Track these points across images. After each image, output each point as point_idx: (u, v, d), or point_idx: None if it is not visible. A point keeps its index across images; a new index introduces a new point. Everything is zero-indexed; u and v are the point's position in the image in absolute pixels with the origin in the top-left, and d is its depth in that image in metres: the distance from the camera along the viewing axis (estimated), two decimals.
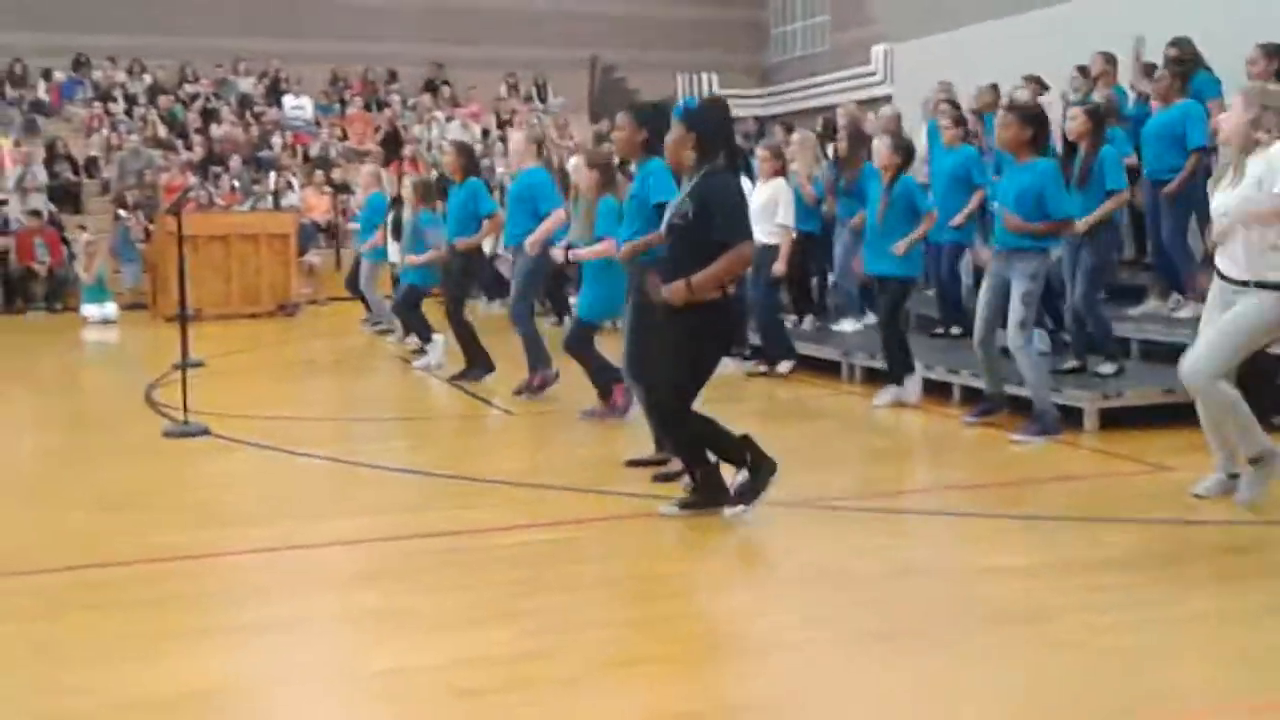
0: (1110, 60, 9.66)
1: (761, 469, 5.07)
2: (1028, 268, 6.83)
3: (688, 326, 5.02)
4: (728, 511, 5.00)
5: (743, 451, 5.10)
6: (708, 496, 5.15)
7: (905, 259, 7.83)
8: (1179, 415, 7.08)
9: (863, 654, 3.75)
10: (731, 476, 5.20)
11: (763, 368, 9.26)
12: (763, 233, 8.20)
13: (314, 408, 9.08)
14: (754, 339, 9.35)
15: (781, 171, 9.29)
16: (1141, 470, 6.17)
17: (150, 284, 16.21)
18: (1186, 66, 8.60)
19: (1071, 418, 7.07)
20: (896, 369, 7.98)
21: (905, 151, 8.01)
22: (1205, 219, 8.66)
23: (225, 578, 4.68)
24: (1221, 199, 5.25)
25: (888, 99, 15.25)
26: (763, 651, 3.85)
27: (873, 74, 20.06)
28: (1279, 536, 5.03)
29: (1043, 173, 6.81)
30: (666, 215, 5.16)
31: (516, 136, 9.03)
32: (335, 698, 3.57)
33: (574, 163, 7.38)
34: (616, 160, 7.16)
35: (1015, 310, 6.84)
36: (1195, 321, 8.08)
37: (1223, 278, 5.29)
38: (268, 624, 4.11)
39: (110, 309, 15.41)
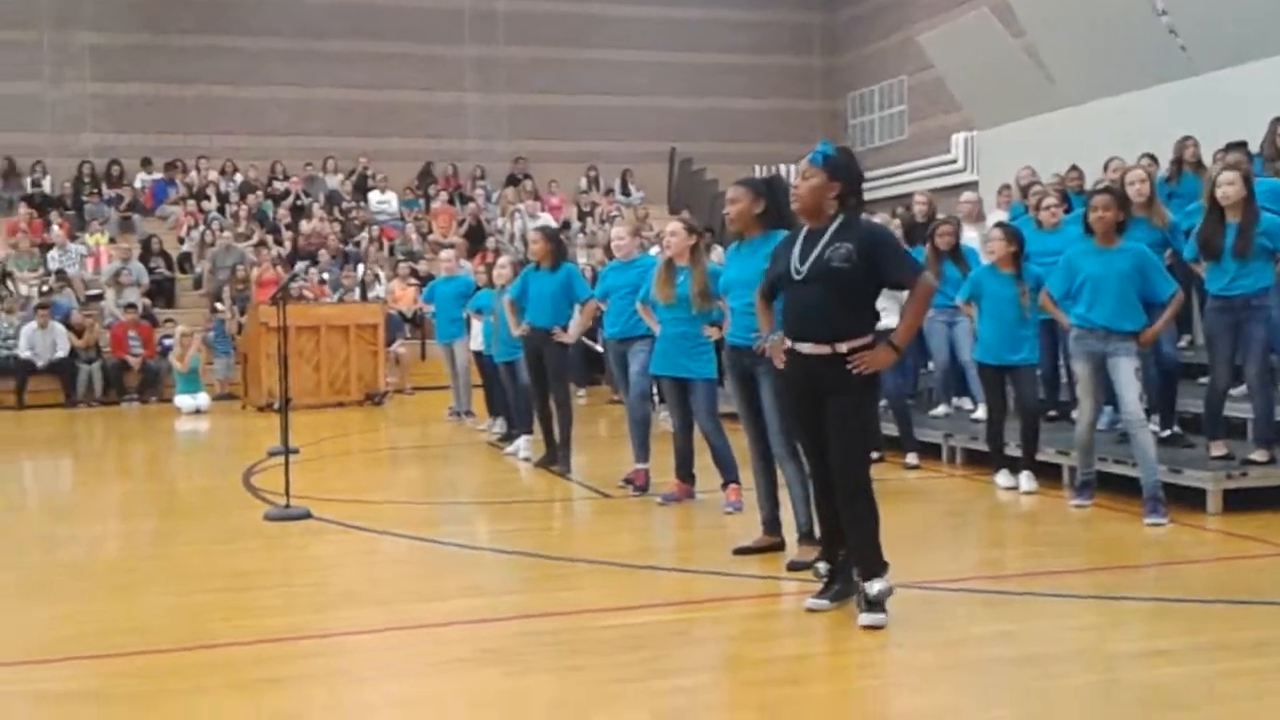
0: (1197, 145, 9.57)
1: (852, 585, 4.90)
2: (1131, 344, 6.79)
3: (861, 389, 4.78)
4: (865, 618, 4.71)
5: (881, 555, 4.80)
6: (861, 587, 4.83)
7: (1031, 345, 7.81)
8: None
9: None
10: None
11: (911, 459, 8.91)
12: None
13: (411, 492, 9.06)
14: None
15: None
16: (1274, 552, 5.92)
17: (242, 375, 16.47)
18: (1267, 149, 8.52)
19: (1193, 499, 6.86)
20: (1029, 453, 7.86)
21: (1020, 240, 7.92)
22: None
23: (348, 657, 4.61)
24: None
25: (970, 185, 15.21)
26: None
27: (953, 161, 20.05)
28: None
29: (1143, 255, 6.91)
30: (809, 262, 4.81)
31: (620, 230, 8.95)
32: None
33: (671, 228, 7.32)
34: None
35: (1132, 389, 6.75)
36: None
37: None
38: (397, 702, 4.04)
39: (203, 399, 15.67)
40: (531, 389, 9.41)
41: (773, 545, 6.05)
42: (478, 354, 11.94)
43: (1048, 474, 7.84)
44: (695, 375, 7.15)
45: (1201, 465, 7.11)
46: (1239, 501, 6.84)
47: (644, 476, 8.08)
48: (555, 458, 9.17)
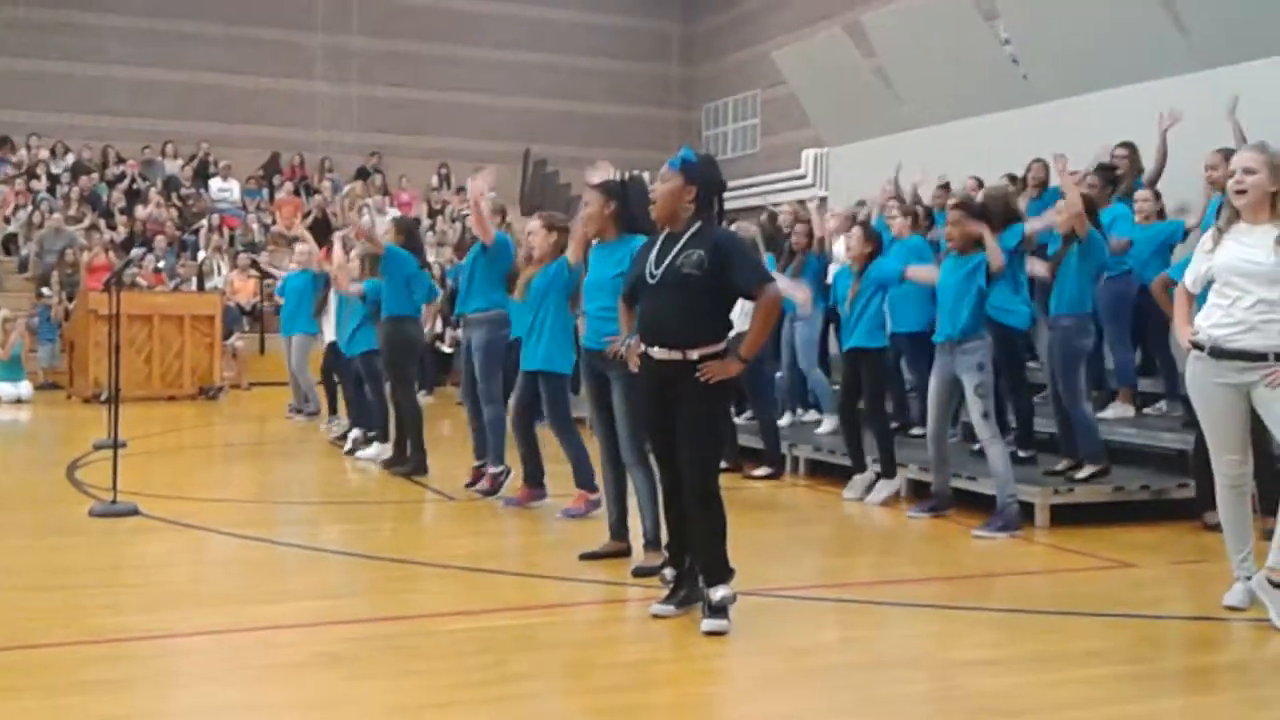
0: (1046, 168, 9.83)
1: (697, 591, 4.83)
2: (973, 359, 6.91)
3: (712, 396, 4.75)
4: (709, 624, 4.69)
5: (727, 563, 4.78)
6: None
7: (875, 331, 7.87)
8: (1127, 513, 7.18)
9: None
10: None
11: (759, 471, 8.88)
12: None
13: (247, 490, 8.78)
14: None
15: None
16: (1101, 565, 6.15)
17: (68, 364, 15.76)
18: (1123, 173, 8.79)
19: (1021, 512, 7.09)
20: (887, 460, 7.90)
21: (877, 240, 8.10)
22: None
23: (173, 661, 4.41)
24: (1244, 255, 4.83)
25: (818, 200, 15.46)
26: None
27: (803, 176, 20.41)
28: (1251, 630, 4.98)
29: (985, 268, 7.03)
30: (663, 267, 4.81)
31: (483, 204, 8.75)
32: None
33: (530, 226, 7.23)
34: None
35: (975, 404, 6.89)
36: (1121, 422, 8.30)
37: (1239, 355, 4.82)
38: (227, 706, 3.88)
39: (24, 388, 14.95)
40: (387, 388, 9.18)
41: (619, 551, 6.02)
42: (332, 346, 11.59)
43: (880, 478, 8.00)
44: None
45: (1030, 480, 7.35)
46: (1066, 516, 7.09)
47: (491, 479, 7.94)
48: (401, 459, 8.97)
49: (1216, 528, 6.78)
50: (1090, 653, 4.54)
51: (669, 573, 5.13)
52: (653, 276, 4.84)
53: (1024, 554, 6.51)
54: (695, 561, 4.89)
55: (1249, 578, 5.08)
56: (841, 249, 10.22)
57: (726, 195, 5.23)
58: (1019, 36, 12.25)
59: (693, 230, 4.84)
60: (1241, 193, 4.86)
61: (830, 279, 9.08)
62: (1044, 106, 11.49)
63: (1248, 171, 4.85)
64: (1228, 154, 7.56)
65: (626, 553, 5.98)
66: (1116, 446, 8.02)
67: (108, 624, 4.76)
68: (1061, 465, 7.55)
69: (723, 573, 4.76)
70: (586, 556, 5.99)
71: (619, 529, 6.10)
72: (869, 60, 14.38)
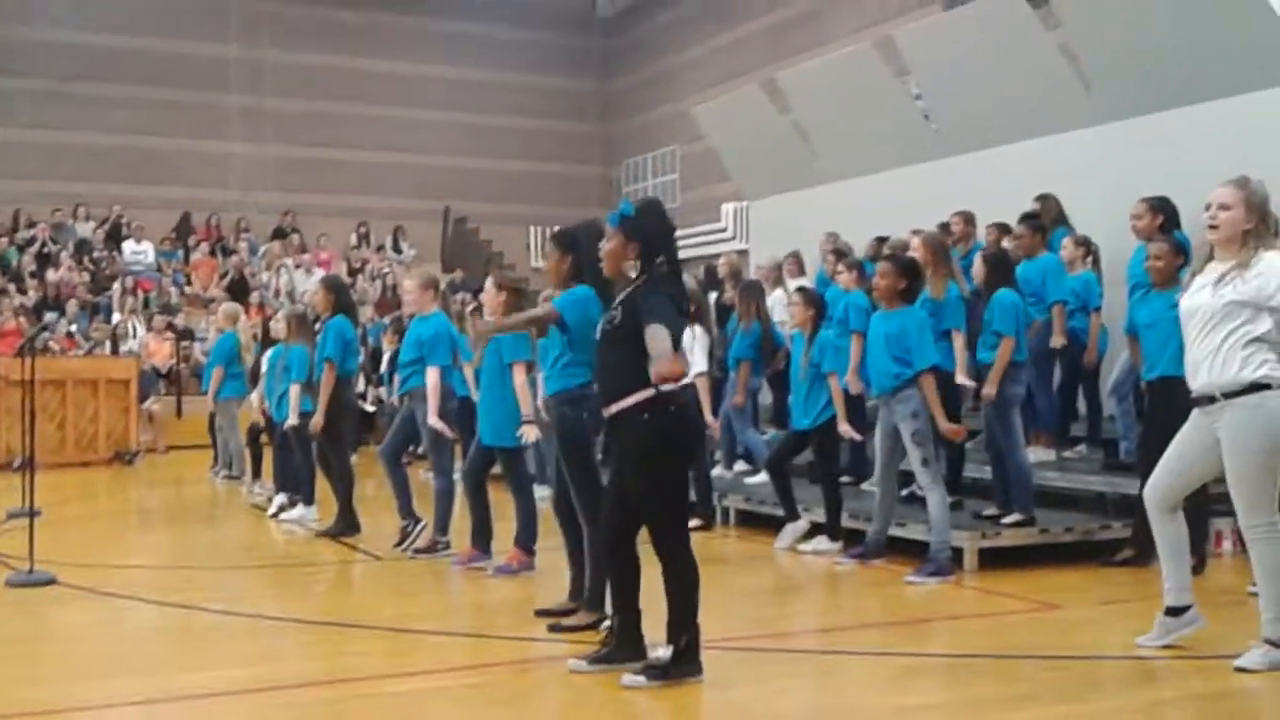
0: (969, 220, 10.01)
1: (688, 661, 4.68)
2: (907, 408, 6.97)
3: (638, 451, 4.69)
4: (627, 679, 4.65)
5: (694, 628, 4.71)
6: (683, 666, 4.66)
7: (826, 405, 7.80)
8: (1051, 555, 7.28)
9: None
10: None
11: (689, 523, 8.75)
12: None
13: (168, 556, 8.57)
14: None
15: (697, 316, 8.62)
16: (1031, 608, 6.22)
17: None
18: (1045, 222, 9.00)
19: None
20: (833, 520, 7.83)
21: (819, 303, 8.11)
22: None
23: None
24: (1194, 300, 4.86)
25: (740, 254, 15.62)
26: None
27: (724, 229, 20.64)
28: (1184, 666, 5.07)
29: (910, 320, 7.05)
30: (601, 324, 4.90)
31: (410, 283, 8.18)
32: None
33: (486, 285, 7.11)
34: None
35: (913, 452, 6.94)
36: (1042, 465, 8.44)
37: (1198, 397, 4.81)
38: None
39: None
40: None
41: (574, 609, 5.90)
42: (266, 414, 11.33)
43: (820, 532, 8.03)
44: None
45: (958, 525, 7.41)
46: (992, 559, 7.16)
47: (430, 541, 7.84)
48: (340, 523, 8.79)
49: (1121, 563, 6.99)
50: (1029, 696, 4.58)
51: (604, 624, 5.09)
52: (602, 333, 4.88)
53: (956, 599, 6.56)
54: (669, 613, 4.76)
55: (1170, 610, 5.13)
56: (776, 299, 10.33)
57: None
58: (929, 92, 12.54)
59: (629, 286, 4.82)
60: (1214, 227, 4.79)
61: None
62: (955, 160, 11.74)
63: (1223, 207, 4.77)
64: (1153, 203, 7.68)
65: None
66: (1039, 489, 8.15)
67: (25, 696, 4.60)
68: (989, 510, 7.64)
69: (676, 634, 4.67)
70: (543, 613, 5.86)
71: (576, 586, 5.97)
72: (785, 116, 14.60)
